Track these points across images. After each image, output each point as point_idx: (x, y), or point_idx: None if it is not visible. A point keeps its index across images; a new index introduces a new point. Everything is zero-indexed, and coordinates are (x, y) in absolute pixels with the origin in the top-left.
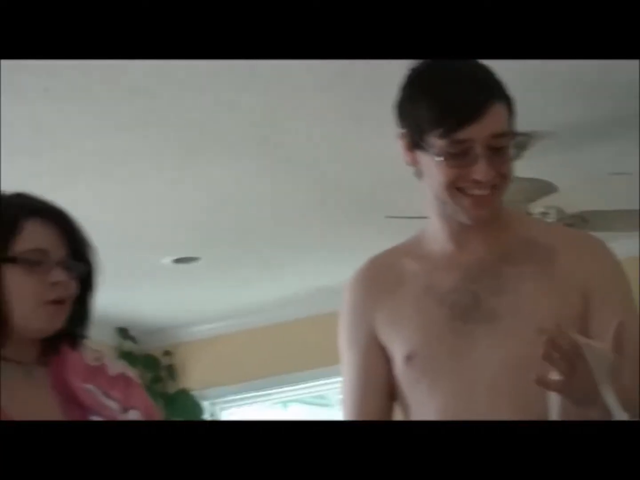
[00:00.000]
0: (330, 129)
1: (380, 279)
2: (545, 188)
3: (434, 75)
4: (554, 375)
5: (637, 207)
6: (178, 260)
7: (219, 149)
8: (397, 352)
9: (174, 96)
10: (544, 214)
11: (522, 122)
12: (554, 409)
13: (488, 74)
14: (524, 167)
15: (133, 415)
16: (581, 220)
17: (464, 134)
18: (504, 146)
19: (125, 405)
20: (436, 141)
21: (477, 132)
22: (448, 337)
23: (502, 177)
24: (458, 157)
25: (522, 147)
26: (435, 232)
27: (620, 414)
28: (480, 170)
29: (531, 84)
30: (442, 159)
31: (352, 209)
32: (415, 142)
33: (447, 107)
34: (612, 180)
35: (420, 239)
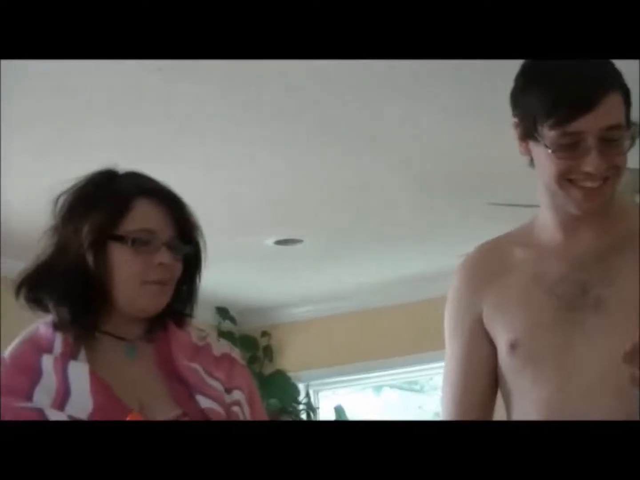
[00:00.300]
0: (433, 118)
1: (489, 265)
2: None
3: (548, 66)
4: None
5: None
6: (280, 242)
7: (326, 139)
8: (502, 339)
9: (291, 89)
10: None
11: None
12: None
13: (604, 64)
14: (632, 157)
15: (236, 396)
16: None
17: (575, 125)
18: (618, 138)
19: (229, 386)
20: (548, 132)
21: (590, 123)
22: (554, 327)
23: (615, 169)
24: (569, 148)
25: (633, 137)
26: (545, 221)
27: None
28: (592, 163)
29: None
30: (553, 150)
31: (454, 197)
32: (527, 131)
33: (559, 98)
34: None
35: (530, 228)
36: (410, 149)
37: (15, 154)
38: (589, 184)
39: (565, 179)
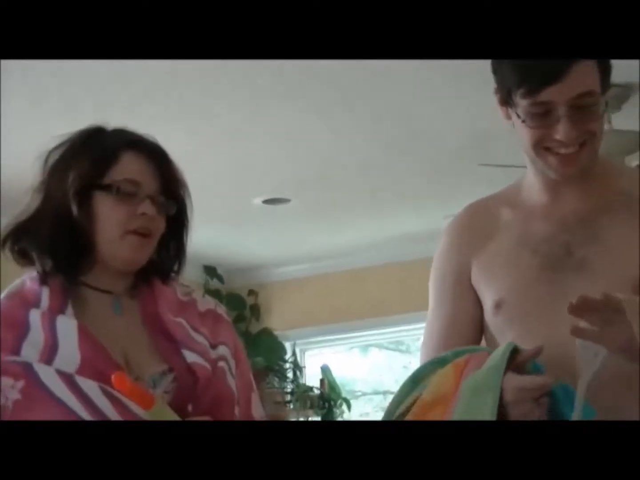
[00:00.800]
0: (424, 82)
1: (477, 225)
2: None
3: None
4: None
5: None
6: (268, 201)
7: (312, 103)
8: (488, 298)
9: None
10: None
11: (621, 74)
12: (587, 357)
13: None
14: (622, 119)
15: (222, 351)
16: None
17: (545, 95)
18: (591, 104)
19: (214, 342)
20: (520, 101)
21: (559, 93)
22: (538, 286)
23: (589, 135)
24: (541, 117)
25: (621, 100)
26: (531, 182)
27: None
28: (563, 131)
29: None
30: (523, 120)
31: (444, 158)
32: (504, 99)
33: (529, 68)
34: None
35: (518, 189)
36: (399, 111)
37: (6, 112)
38: (563, 150)
39: (541, 146)
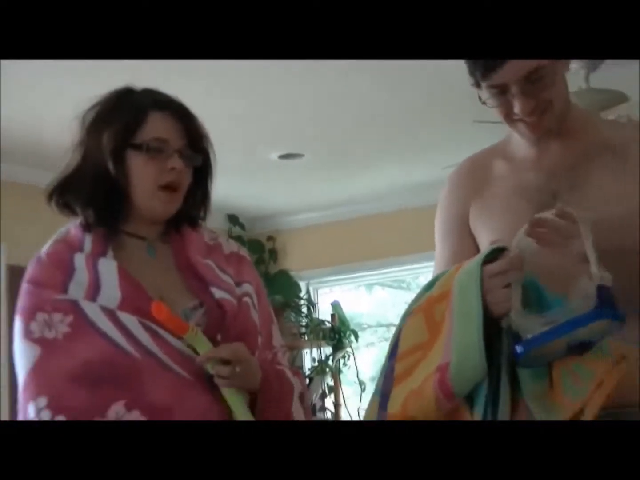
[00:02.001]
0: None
1: (476, 175)
2: (617, 98)
3: None
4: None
5: None
6: (283, 157)
7: (323, 65)
8: (484, 239)
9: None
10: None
11: None
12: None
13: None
14: (599, 79)
15: (246, 288)
16: None
17: (497, 78)
18: (542, 76)
19: (238, 280)
20: (482, 84)
21: (506, 75)
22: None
23: (546, 103)
24: (499, 96)
25: (596, 62)
26: (519, 138)
27: (600, 276)
28: (519, 106)
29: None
30: (483, 102)
31: (443, 115)
32: (474, 83)
33: (473, 60)
34: None
35: (509, 143)
36: (406, 74)
37: (46, 77)
38: (528, 119)
39: (510, 119)
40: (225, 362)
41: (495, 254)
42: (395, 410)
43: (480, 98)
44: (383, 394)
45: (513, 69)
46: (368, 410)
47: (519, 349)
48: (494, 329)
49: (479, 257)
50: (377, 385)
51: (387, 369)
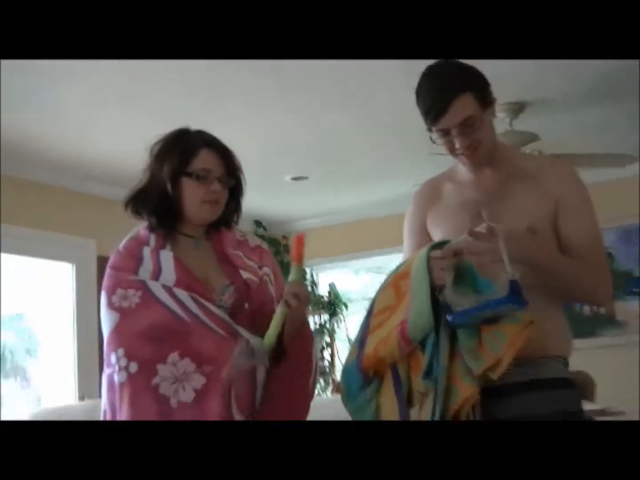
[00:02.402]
0: (398, 92)
1: (431, 194)
2: (531, 137)
3: (421, 79)
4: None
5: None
6: (294, 178)
7: (325, 102)
8: (437, 238)
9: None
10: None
11: (521, 92)
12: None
13: (453, 72)
14: (520, 123)
15: (266, 270)
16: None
17: (440, 125)
18: (473, 123)
19: (260, 264)
20: (431, 129)
21: (448, 123)
22: (468, 229)
23: (477, 142)
24: (444, 136)
25: (518, 111)
26: (462, 166)
27: (511, 272)
28: (458, 144)
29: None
30: (434, 141)
31: (409, 148)
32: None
33: (424, 110)
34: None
35: (455, 169)
36: (384, 118)
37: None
38: (465, 153)
39: (453, 153)
40: (296, 296)
41: (441, 245)
42: (369, 351)
43: (431, 138)
44: (361, 340)
45: (452, 118)
46: (350, 353)
47: (449, 317)
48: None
49: (428, 246)
50: (356, 336)
51: (365, 324)
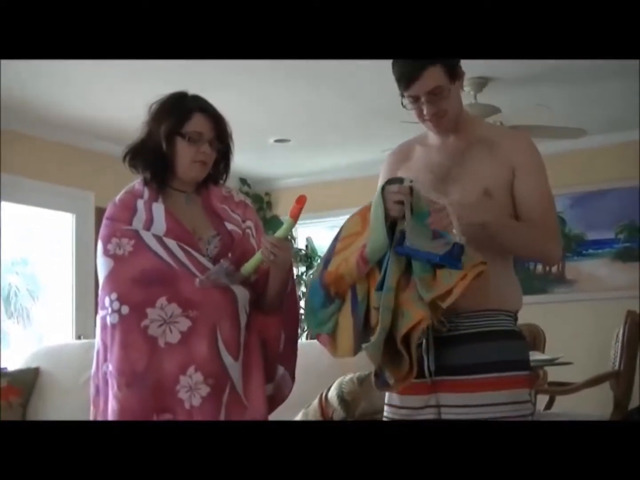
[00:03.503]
0: (377, 64)
1: (402, 155)
2: (493, 109)
3: None
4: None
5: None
6: (277, 141)
7: (309, 70)
8: None
9: None
10: None
11: (485, 68)
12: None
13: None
14: (483, 97)
15: (248, 223)
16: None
17: (410, 91)
18: (440, 92)
19: (244, 218)
20: (403, 93)
21: (417, 90)
22: (432, 187)
23: (443, 111)
24: (413, 103)
25: (481, 86)
26: (431, 132)
27: (459, 237)
28: (425, 111)
29: None
30: (405, 106)
31: (383, 116)
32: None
33: (396, 75)
34: (537, 109)
35: (427, 134)
36: (363, 78)
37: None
38: (432, 120)
39: (421, 119)
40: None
41: (396, 181)
42: (331, 269)
43: (402, 103)
44: (326, 260)
45: (421, 86)
46: (315, 271)
47: (398, 249)
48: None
49: (385, 181)
50: (323, 257)
51: (331, 246)
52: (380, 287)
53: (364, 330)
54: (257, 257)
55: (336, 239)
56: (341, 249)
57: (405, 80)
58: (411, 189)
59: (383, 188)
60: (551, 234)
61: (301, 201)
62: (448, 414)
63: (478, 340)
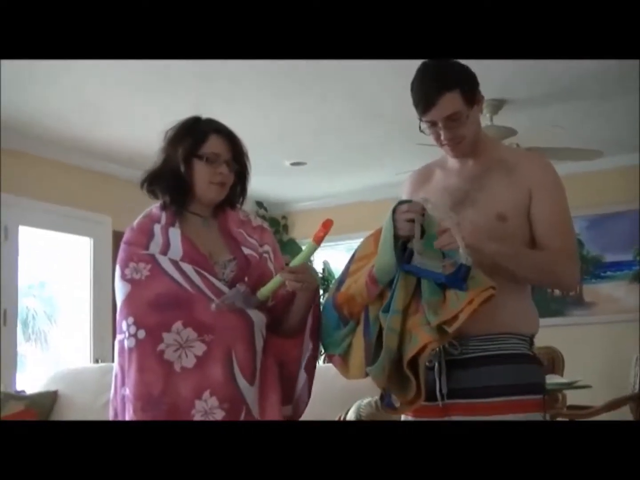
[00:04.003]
0: (391, 85)
1: (422, 177)
2: (509, 131)
3: (417, 73)
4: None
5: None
6: (293, 164)
7: (324, 94)
8: None
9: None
10: None
11: (502, 90)
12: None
13: (445, 70)
14: (499, 119)
15: (266, 248)
16: None
17: (427, 117)
18: (458, 118)
19: (261, 242)
20: (420, 119)
21: (435, 115)
22: (447, 210)
23: (460, 137)
24: (431, 128)
25: (497, 108)
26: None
27: (464, 258)
28: (443, 137)
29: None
30: (422, 130)
31: (399, 139)
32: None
33: (415, 101)
34: (553, 130)
35: (445, 158)
36: (379, 101)
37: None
38: (449, 145)
39: (440, 143)
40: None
41: (406, 203)
42: (343, 290)
43: (420, 127)
44: (340, 282)
45: (439, 112)
46: (330, 291)
47: (404, 266)
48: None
49: (397, 202)
50: (337, 278)
51: (345, 268)
52: (387, 309)
53: (376, 352)
54: (274, 281)
55: (351, 260)
56: (355, 271)
57: (423, 105)
58: (423, 208)
59: (395, 209)
60: (568, 259)
61: (327, 226)
62: None
63: (489, 364)
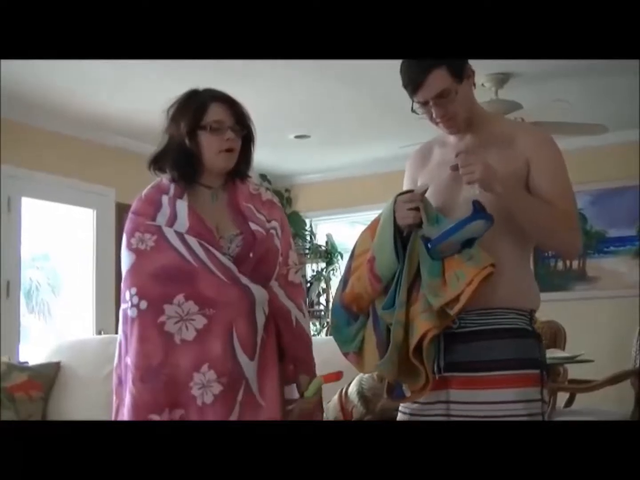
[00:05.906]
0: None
1: (423, 154)
2: (514, 105)
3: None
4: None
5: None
6: (297, 137)
7: (328, 69)
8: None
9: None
10: None
11: (506, 64)
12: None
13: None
14: (504, 93)
15: (274, 224)
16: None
17: (417, 97)
18: (447, 95)
19: (269, 218)
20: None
21: (424, 94)
22: (447, 187)
23: (452, 113)
24: (423, 107)
25: (502, 82)
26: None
27: (473, 193)
28: (435, 115)
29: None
30: (414, 110)
31: (400, 113)
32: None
33: (404, 83)
34: (558, 104)
35: (443, 135)
36: (383, 74)
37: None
38: (442, 122)
39: (433, 121)
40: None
41: (407, 193)
42: (348, 290)
43: (412, 108)
44: (344, 282)
45: (427, 91)
46: (336, 293)
47: (429, 244)
48: (405, 238)
49: (396, 195)
50: (341, 278)
51: (347, 266)
52: (386, 306)
53: (387, 344)
54: (316, 382)
55: (351, 257)
56: (356, 268)
57: (411, 86)
58: (422, 194)
59: (395, 200)
60: (572, 224)
61: (339, 377)
62: (457, 410)
63: (486, 338)
